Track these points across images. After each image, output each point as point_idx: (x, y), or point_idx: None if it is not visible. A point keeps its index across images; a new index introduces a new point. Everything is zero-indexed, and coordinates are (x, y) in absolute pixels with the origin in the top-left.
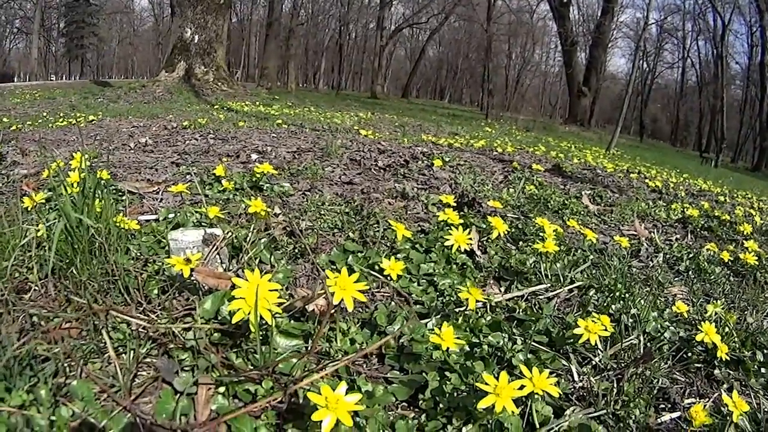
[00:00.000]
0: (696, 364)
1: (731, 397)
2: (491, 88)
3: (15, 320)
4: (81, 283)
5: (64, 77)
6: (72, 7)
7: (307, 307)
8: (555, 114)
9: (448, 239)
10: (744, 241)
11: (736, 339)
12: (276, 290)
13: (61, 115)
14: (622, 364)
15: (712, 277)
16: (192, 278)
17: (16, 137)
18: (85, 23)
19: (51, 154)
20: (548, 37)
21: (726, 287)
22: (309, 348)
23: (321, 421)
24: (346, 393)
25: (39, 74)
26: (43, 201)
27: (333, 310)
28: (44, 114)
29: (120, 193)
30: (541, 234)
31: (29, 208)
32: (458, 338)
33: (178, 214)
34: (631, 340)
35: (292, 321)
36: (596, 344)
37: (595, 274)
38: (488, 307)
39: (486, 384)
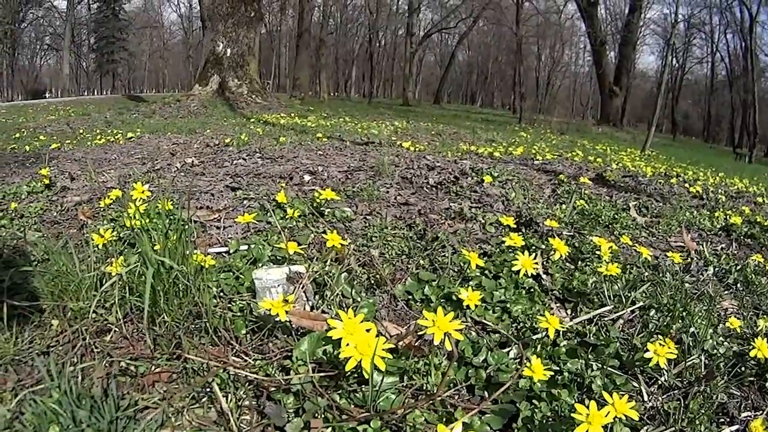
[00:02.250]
0: (749, 378)
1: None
2: (523, 91)
3: (103, 366)
4: (166, 325)
5: (95, 92)
6: (102, 22)
7: (436, 341)
8: (587, 114)
9: (515, 264)
10: None
11: None
12: (369, 329)
13: (98, 132)
14: (686, 383)
15: (759, 289)
16: (286, 319)
17: (56, 156)
18: (115, 38)
19: (99, 178)
20: (577, 37)
21: None
22: (406, 385)
23: None
24: (447, 424)
25: (71, 90)
26: (114, 239)
27: (425, 347)
28: (81, 131)
29: (182, 223)
30: (597, 252)
31: (98, 245)
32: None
33: (252, 247)
34: (693, 359)
35: (390, 357)
36: (661, 365)
37: (652, 292)
38: (561, 332)
39: (579, 414)
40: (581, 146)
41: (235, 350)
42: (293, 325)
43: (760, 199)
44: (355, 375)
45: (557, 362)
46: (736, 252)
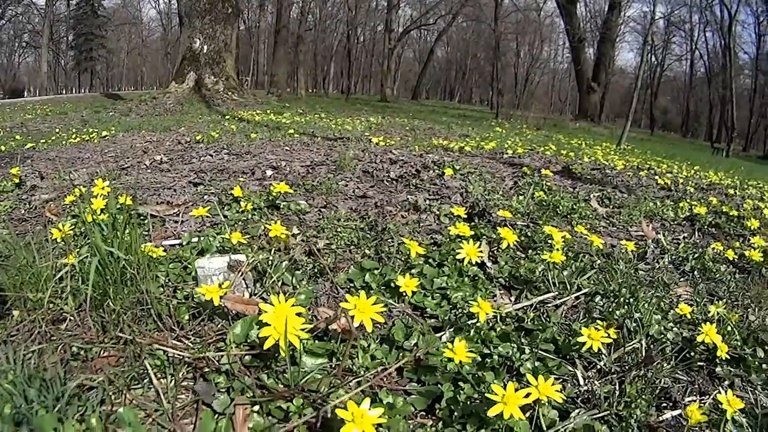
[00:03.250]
0: (698, 363)
1: (726, 396)
2: (500, 87)
3: (55, 351)
4: (115, 312)
5: (74, 90)
6: (80, 19)
7: (329, 326)
8: (565, 110)
9: (459, 252)
10: (751, 237)
11: (737, 337)
12: (300, 314)
13: (74, 131)
14: (626, 367)
15: (717, 275)
16: (222, 304)
17: (31, 156)
18: (94, 35)
19: (69, 177)
20: (556, 34)
21: (731, 285)
22: (334, 366)
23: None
24: (370, 407)
25: (49, 88)
26: (71, 232)
27: (354, 330)
28: (57, 130)
29: (142, 218)
30: (549, 241)
31: (57, 240)
32: (471, 351)
33: (201, 239)
34: (634, 344)
35: (316, 341)
36: (600, 350)
37: (601, 279)
38: (498, 318)
39: (495, 394)
40: (556, 141)
41: (176, 335)
42: (229, 310)
43: (731, 191)
44: (289, 357)
45: (488, 346)
46: (698, 241)
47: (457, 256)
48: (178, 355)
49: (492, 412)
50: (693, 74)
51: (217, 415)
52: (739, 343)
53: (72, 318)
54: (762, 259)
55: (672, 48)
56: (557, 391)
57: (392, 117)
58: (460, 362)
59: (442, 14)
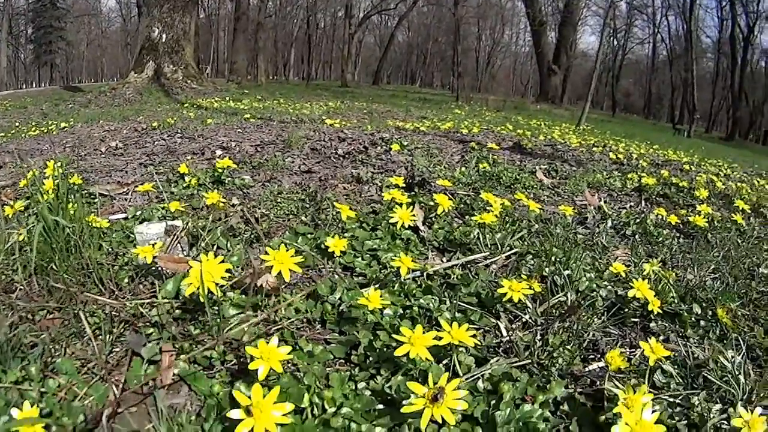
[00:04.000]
0: (632, 319)
1: (650, 344)
2: (461, 70)
3: (6, 316)
4: (60, 278)
5: (34, 84)
6: (39, 12)
7: (259, 283)
8: (527, 93)
9: (392, 216)
10: (699, 206)
11: (674, 294)
12: (228, 270)
13: (33, 124)
14: (551, 320)
15: (659, 239)
16: (156, 265)
17: None
18: (53, 28)
19: (26, 165)
20: (517, 17)
21: (673, 248)
22: (259, 318)
23: (257, 369)
24: (291, 353)
25: (9, 83)
26: (22, 209)
27: (278, 284)
28: (17, 124)
29: (92, 196)
30: (488, 208)
31: (9, 216)
32: (393, 303)
33: (144, 210)
34: (559, 297)
35: (243, 295)
36: (526, 303)
37: (534, 241)
38: (426, 275)
39: (403, 335)
40: (514, 122)
41: (115, 295)
42: (163, 269)
43: (686, 167)
44: (213, 312)
45: (410, 299)
46: (645, 210)
47: (391, 220)
48: (115, 312)
49: (398, 353)
50: (655, 57)
51: (145, 363)
52: (675, 300)
53: (22, 287)
54: (707, 225)
55: (634, 31)
56: (472, 336)
57: (351, 101)
58: (381, 313)
59: None
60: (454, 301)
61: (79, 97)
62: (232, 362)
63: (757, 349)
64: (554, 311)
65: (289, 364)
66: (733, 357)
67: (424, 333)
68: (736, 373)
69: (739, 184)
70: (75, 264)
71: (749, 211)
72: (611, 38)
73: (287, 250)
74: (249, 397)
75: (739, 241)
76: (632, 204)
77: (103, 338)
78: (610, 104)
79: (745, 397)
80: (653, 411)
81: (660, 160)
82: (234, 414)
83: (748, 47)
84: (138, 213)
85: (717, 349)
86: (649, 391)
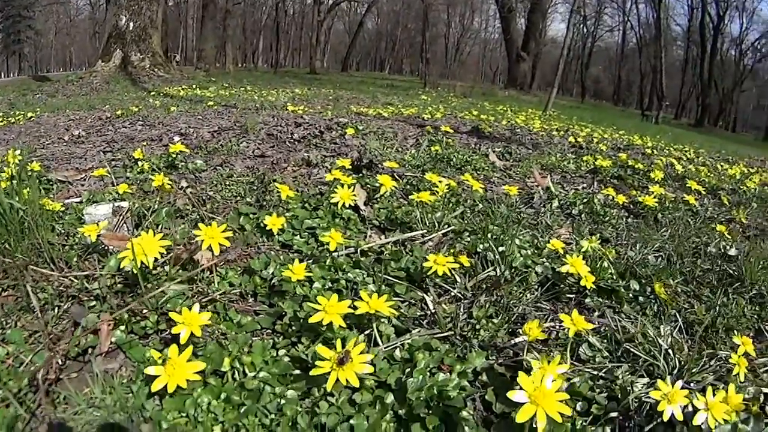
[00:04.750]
0: (568, 295)
1: (571, 317)
2: (429, 57)
3: None
4: (14, 257)
5: (2, 74)
6: (8, 1)
7: (197, 259)
8: (497, 80)
9: (333, 197)
10: (652, 187)
11: (612, 271)
12: (169, 247)
13: (1, 114)
14: (479, 294)
15: (606, 218)
16: (101, 243)
17: None
18: (22, 17)
19: None
20: (487, 4)
21: (619, 227)
22: (195, 291)
23: (179, 333)
24: (222, 323)
25: None
26: None
27: (219, 260)
28: None
29: (51, 182)
30: (434, 189)
31: None
32: (323, 277)
33: (97, 194)
34: (489, 272)
35: (180, 270)
36: (455, 278)
37: (475, 220)
38: (359, 251)
39: (319, 304)
40: (480, 107)
41: (64, 272)
42: (108, 247)
43: (649, 151)
44: (151, 286)
45: (339, 273)
46: (597, 191)
47: (332, 200)
48: (63, 288)
49: (313, 320)
50: (625, 45)
51: (86, 332)
52: (613, 277)
53: None
54: (657, 205)
55: (604, 19)
56: (395, 308)
57: (318, 88)
58: (311, 286)
59: None
60: (382, 275)
61: (46, 87)
62: (166, 332)
63: (697, 325)
64: (484, 286)
65: (220, 334)
66: (664, 331)
67: (335, 299)
68: (665, 347)
69: (700, 167)
70: (28, 244)
71: (704, 193)
72: (581, 26)
73: (223, 227)
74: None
75: (690, 221)
76: (585, 185)
77: (52, 312)
78: (579, 91)
79: (675, 371)
80: (570, 381)
81: (622, 145)
82: (150, 370)
83: (718, 36)
84: (91, 196)
85: (647, 323)
86: (573, 364)
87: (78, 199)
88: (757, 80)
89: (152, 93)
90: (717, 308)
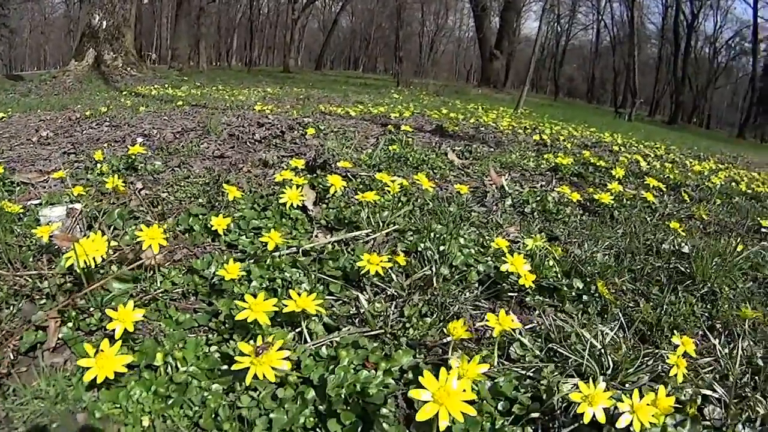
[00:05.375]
0: (510, 294)
1: (497, 317)
2: (402, 55)
3: None
4: None
5: None
6: None
7: (144, 259)
8: (471, 78)
9: (282, 197)
10: (610, 184)
11: (557, 269)
12: (118, 248)
13: None
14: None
15: (559, 216)
16: (54, 244)
17: None
18: None
19: None
20: (461, 2)
21: (572, 225)
22: (139, 289)
23: (114, 329)
24: (141, 313)
25: None
26: None
27: (165, 260)
28: None
29: (14, 185)
30: (386, 189)
31: None
32: (261, 276)
33: (54, 196)
34: (425, 271)
35: (126, 270)
36: (392, 277)
37: (423, 218)
38: (301, 251)
39: (244, 302)
40: (452, 105)
41: (19, 272)
42: (59, 247)
43: (616, 148)
44: (98, 285)
45: (277, 272)
46: (555, 188)
47: (280, 200)
48: (18, 287)
49: (239, 317)
50: (599, 43)
51: (36, 329)
52: (558, 276)
53: None
54: (612, 202)
55: (578, 17)
56: (328, 307)
57: (291, 87)
58: (249, 285)
59: None
60: (317, 274)
61: (20, 86)
62: (110, 330)
63: (641, 324)
64: (420, 284)
65: (159, 330)
66: (601, 331)
67: (261, 297)
68: (599, 347)
69: (668, 164)
70: None
71: (665, 189)
72: (555, 24)
73: (162, 228)
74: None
75: (647, 218)
76: (544, 183)
77: (7, 310)
78: (553, 89)
79: (609, 372)
80: (494, 380)
81: (590, 142)
82: (82, 362)
83: (692, 34)
84: (49, 198)
85: (587, 322)
86: (502, 363)
87: (38, 201)
88: (731, 78)
89: (124, 93)
90: (664, 306)
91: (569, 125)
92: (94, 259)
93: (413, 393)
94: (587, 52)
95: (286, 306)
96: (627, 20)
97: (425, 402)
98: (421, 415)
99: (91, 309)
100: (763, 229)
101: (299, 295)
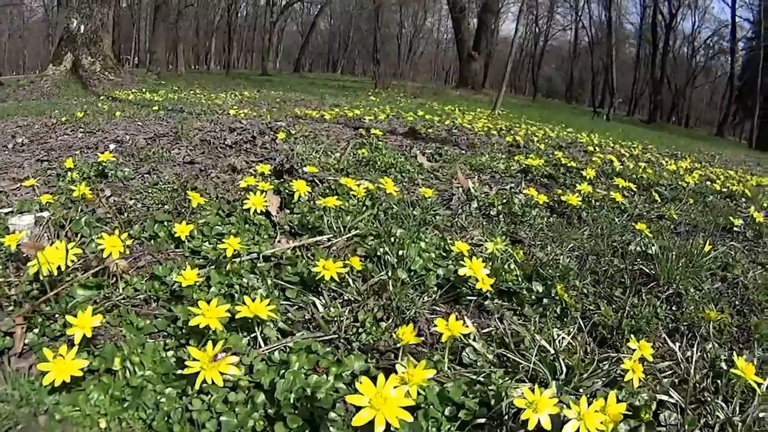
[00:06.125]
0: (469, 297)
1: (446, 322)
2: (380, 57)
3: None
4: None
5: None
6: None
7: (108, 266)
8: (449, 80)
9: (246, 203)
10: (579, 185)
11: (518, 273)
12: (83, 256)
13: None
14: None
15: (525, 218)
16: (22, 252)
17: None
18: None
19: None
20: (439, 4)
21: (537, 227)
22: (103, 296)
23: (74, 335)
24: (99, 320)
25: None
26: None
27: (121, 267)
28: None
29: None
30: (351, 193)
31: None
32: (220, 282)
33: (24, 204)
34: (381, 275)
35: (90, 277)
36: (349, 282)
37: (386, 223)
38: (261, 257)
39: (198, 309)
40: (429, 107)
41: None
42: (27, 255)
43: (591, 148)
44: (63, 292)
45: (234, 278)
46: (523, 190)
47: (244, 206)
48: None
49: (192, 323)
50: (577, 43)
51: (3, 335)
52: (518, 279)
53: None
54: (580, 203)
55: (556, 18)
56: (275, 310)
57: (268, 90)
58: (208, 291)
59: None
60: (273, 280)
61: None
62: (76, 335)
63: (601, 326)
64: (376, 289)
65: (120, 336)
66: (557, 335)
67: (214, 304)
68: (552, 352)
69: (642, 164)
70: None
71: (635, 190)
72: (533, 25)
73: (125, 236)
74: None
75: (616, 219)
76: (513, 186)
77: None
78: (531, 89)
79: (562, 377)
80: (443, 386)
81: (565, 143)
82: (42, 366)
83: (670, 33)
84: (24, 203)
85: (545, 326)
86: (454, 368)
87: (10, 209)
88: (709, 77)
89: (101, 97)
90: (626, 309)
91: (546, 126)
92: (59, 267)
93: (350, 398)
94: (566, 53)
95: (239, 311)
96: (605, 20)
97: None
98: (357, 420)
99: (57, 315)
100: (735, 229)
101: (253, 300)
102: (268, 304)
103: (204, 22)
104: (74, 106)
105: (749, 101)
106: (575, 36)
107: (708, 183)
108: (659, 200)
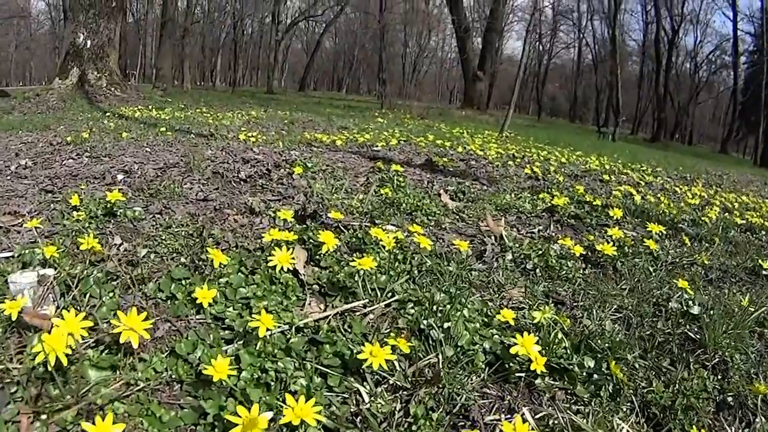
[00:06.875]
0: (517, 374)
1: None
2: (385, 77)
3: None
4: None
5: None
6: None
7: (121, 340)
8: (454, 99)
9: (271, 260)
10: (610, 229)
11: (566, 345)
12: (94, 326)
13: None
14: (417, 384)
15: (562, 272)
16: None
17: None
18: None
19: None
20: (444, 23)
21: (576, 282)
22: (117, 378)
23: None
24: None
25: None
26: None
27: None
28: None
29: None
30: (381, 242)
31: None
32: (251, 364)
33: (25, 253)
34: (430, 359)
35: (102, 354)
36: (393, 364)
37: (423, 283)
38: (294, 329)
39: (237, 417)
40: (436, 130)
41: None
42: (29, 324)
43: (606, 177)
44: (72, 372)
45: (267, 361)
46: (553, 234)
47: (269, 264)
48: None
49: None
50: (581, 61)
51: (7, 423)
52: (567, 352)
53: None
54: (615, 253)
55: (560, 36)
56: (325, 410)
57: (275, 110)
58: (238, 376)
59: (330, 5)
60: (314, 364)
61: (3, 103)
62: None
63: (654, 407)
64: (426, 372)
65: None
66: (616, 423)
67: (256, 410)
68: None
69: (659, 194)
70: None
71: (664, 232)
72: (536, 43)
73: (143, 315)
74: None
75: (651, 270)
76: (541, 228)
77: None
78: (536, 108)
79: None
80: None
81: (579, 171)
82: None
83: (673, 49)
84: (25, 252)
85: (593, 410)
86: None
87: (10, 253)
88: (712, 92)
89: (107, 114)
90: (677, 383)
91: (555, 149)
92: (69, 345)
93: None
94: (569, 71)
95: (283, 416)
96: (608, 38)
97: None
98: None
99: (67, 400)
100: (764, 272)
101: (294, 394)
102: (314, 405)
103: (210, 39)
104: (80, 121)
105: (752, 116)
106: (578, 54)
107: (726, 215)
108: (688, 242)
